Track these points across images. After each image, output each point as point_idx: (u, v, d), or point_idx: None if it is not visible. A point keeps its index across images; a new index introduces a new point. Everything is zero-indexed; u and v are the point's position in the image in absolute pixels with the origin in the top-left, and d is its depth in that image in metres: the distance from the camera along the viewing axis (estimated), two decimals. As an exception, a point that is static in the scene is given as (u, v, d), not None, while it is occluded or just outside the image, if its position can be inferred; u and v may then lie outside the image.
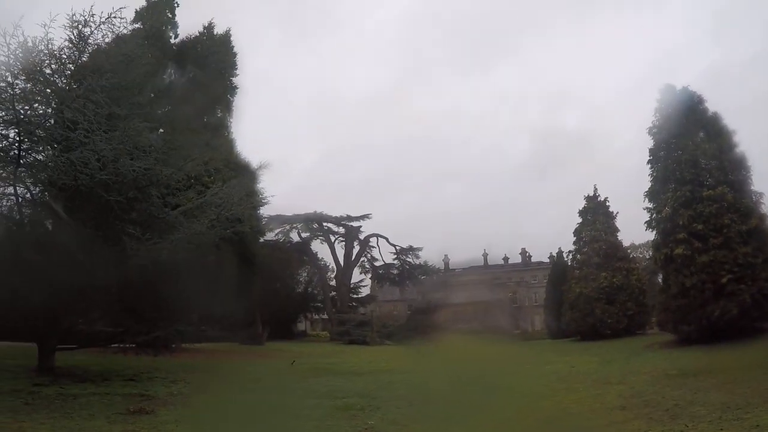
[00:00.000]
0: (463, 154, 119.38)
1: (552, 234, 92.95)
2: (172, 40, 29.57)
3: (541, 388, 13.90)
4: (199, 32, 31.82)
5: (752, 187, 23.63)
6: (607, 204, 37.03)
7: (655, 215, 24.55)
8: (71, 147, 12.28)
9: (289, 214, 49.74)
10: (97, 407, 10.02)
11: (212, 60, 30.21)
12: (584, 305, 33.57)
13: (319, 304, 54.89)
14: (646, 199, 25.13)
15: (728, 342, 19.45)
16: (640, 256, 49.13)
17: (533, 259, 73.30)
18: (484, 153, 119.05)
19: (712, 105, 24.66)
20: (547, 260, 61.17)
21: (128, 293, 13.89)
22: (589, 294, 33.48)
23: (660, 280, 25.32)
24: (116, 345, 16.11)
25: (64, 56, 13.82)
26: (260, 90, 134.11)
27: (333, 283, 56.40)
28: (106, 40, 14.78)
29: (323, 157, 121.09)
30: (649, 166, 25.24)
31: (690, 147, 23.40)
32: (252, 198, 23.89)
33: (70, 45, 13.83)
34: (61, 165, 12.06)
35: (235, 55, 32.07)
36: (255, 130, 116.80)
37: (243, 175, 23.65)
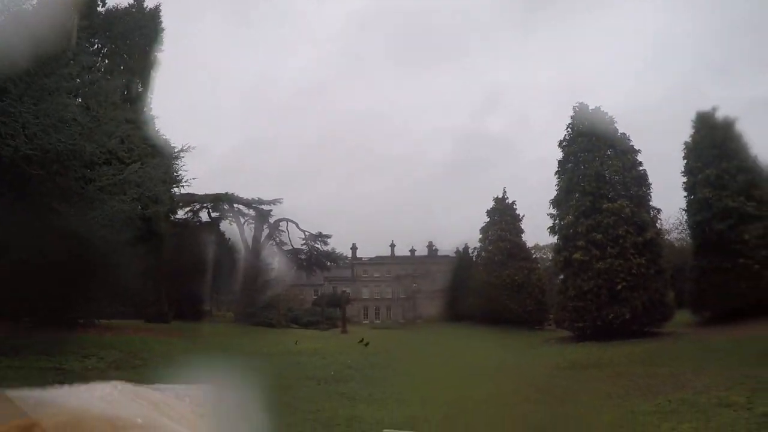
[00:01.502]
0: (386, 152, 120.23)
1: (461, 231, 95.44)
2: (99, 8, 28.55)
3: (441, 375, 14.91)
4: (129, 4, 30.80)
5: (651, 203, 25.78)
6: (515, 207, 38.85)
7: (558, 221, 26.19)
8: (-5, 116, 12.03)
9: (200, 192, 48.89)
10: (15, 381, 10.01)
11: (138, 34, 29.39)
12: (489, 294, 35.08)
13: (225, 285, 54.27)
14: (551, 206, 26.78)
15: (619, 341, 21.21)
16: (544, 257, 51.47)
17: (440, 253, 75.29)
18: (407, 151, 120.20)
19: (623, 127, 26.62)
20: (453, 254, 63.25)
21: (44, 268, 13.70)
22: (493, 288, 35.04)
23: (560, 282, 26.95)
24: (27, 319, 15.79)
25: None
26: (189, 71, 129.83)
27: (240, 264, 55.84)
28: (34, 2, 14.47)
29: (246, 143, 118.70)
30: (557, 176, 26.98)
31: (596, 162, 25.14)
32: (170, 179, 23.63)
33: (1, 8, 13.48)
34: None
35: (162, 30, 31.29)
36: (180, 109, 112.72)
37: (161, 154, 23.26)
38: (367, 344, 25.04)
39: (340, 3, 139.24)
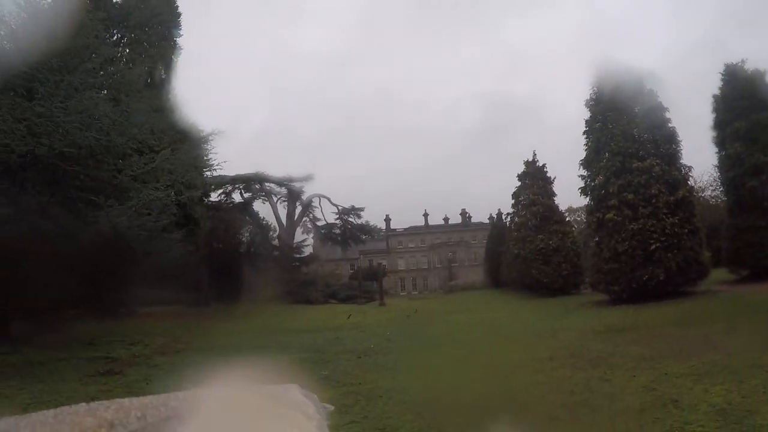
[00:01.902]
0: (414, 119, 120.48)
1: (493, 197, 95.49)
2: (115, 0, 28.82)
3: (479, 343, 15.07)
4: (142, -9, 30.96)
5: (682, 161, 25.24)
6: (545, 169, 38.50)
7: (589, 182, 25.91)
8: (26, 115, 12.30)
9: (231, 174, 49.42)
10: (66, 371, 10.45)
11: (155, 21, 29.59)
12: (521, 265, 35.17)
13: (262, 265, 55.01)
14: (581, 167, 26.47)
15: (654, 302, 21.10)
16: (578, 219, 51.07)
17: (473, 220, 75.26)
18: (434, 118, 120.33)
19: (650, 83, 26.05)
20: (487, 221, 63.12)
21: (85, 260, 14.07)
22: (526, 255, 35.05)
23: (594, 244, 26.77)
24: (73, 311, 16.29)
25: (12, 20, 13.67)
26: (212, 51, 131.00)
27: (276, 243, 56.44)
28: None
29: (273, 121, 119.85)
30: (585, 136, 26.58)
31: (623, 120, 24.68)
32: (201, 164, 23.94)
33: (18, 8, 13.68)
34: (18, 133, 12.08)
35: (179, 15, 31.47)
36: (205, 92, 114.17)
37: (189, 139, 23.58)
38: (415, 311, 25.57)
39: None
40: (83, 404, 1.25)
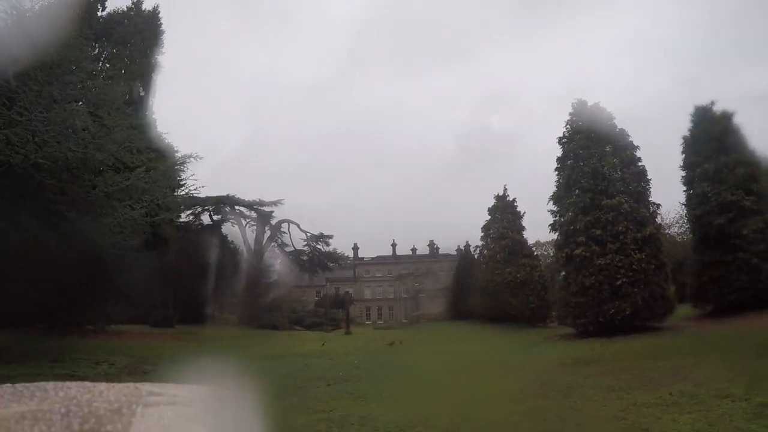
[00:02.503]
0: (389, 151, 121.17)
1: (461, 228, 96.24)
2: (100, 13, 28.71)
3: (448, 373, 15.13)
4: (127, 7, 30.98)
5: (651, 198, 26.04)
6: (515, 204, 39.11)
7: (558, 218, 26.40)
8: (5, 124, 12.15)
9: (202, 195, 49.01)
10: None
11: (138, 37, 29.56)
12: (488, 297, 35.40)
13: (228, 288, 54.35)
14: (551, 203, 26.98)
15: (621, 336, 21.44)
16: (545, 253, 51.67)
17: (441, 252, 75.50)
18: (409, 150, 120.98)
19: (622, 122, 26.88)
20: (455, 253, 63.44)
21: (56, 274, 13.82)
22: (494, 287, 35.38)
23: (561, 278, 27.16)
24: (39, 325, 15.94)
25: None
26: (193, 72, 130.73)
27: (243, 267, 55.88)
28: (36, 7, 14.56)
29: (249, 143, 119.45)
30: (556, 173, 27.21)
31: (594, 158, 25.32)
32: (177, 186, 23.76)
33: (4, 15, 13.57)
34: (-6, 142, 11.93)
35: (162, 33, 31.52)
36: (183, 111, 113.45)
37: (165, 159, 23.41)
38: (392, 344, 25.58)
39: (344, 3, 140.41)
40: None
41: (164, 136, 27.64)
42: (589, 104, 27.29)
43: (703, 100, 29.56)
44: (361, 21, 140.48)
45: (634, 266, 23.43)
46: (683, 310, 26.36)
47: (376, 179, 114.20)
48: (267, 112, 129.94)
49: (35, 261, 13.08)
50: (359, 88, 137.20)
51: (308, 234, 57.58)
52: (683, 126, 28.56)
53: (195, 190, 30.29)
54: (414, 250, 78.84)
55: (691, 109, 28.48)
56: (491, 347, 22.37)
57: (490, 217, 39.58)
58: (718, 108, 27.85)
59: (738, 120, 27.39)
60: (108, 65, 27.42)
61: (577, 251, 24.41)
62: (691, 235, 30.81)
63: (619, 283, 23.29)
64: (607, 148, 25.78)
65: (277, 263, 58.57)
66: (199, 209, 51.95)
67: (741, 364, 11.69)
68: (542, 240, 53.40)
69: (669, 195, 63.47)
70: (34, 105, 12.32)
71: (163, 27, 32.05)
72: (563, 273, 26.73)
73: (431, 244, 78.36)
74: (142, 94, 28.85)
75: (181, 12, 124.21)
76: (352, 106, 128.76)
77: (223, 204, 53.64)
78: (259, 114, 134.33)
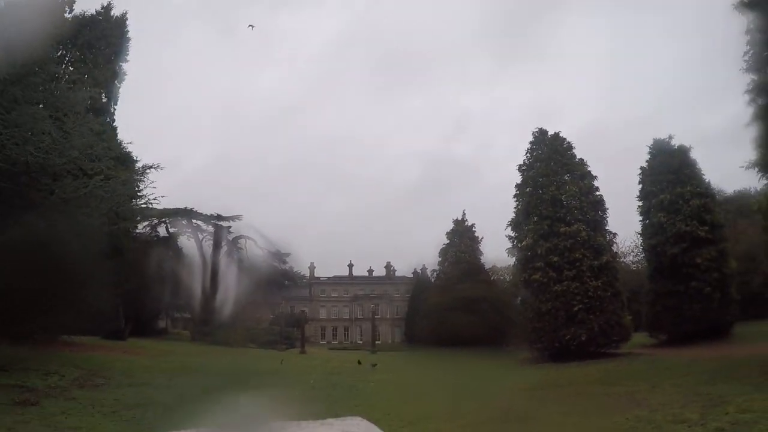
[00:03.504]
0: (352, 173, 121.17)
1: (420, 253, 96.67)
2: (67, 15, 28.09)
3: (404, 395, 15.08)
4: (96, 11, 30.39)
5: (607, 227, 26.62)
6: (474, 229, 39.41)
7: (516, 243, 26.70)
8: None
9: (159, 207, 48.05)
10: (-21, 398, 9.79)
11: (103, 43, 29.05)
12: (440, 316, 34.95)
13: (181, 302, 53.23)
14: (510, 228, 27.32)
15: (576, 362, 21.65)
16: (502, 278, 52.05)
17: (397, 274, 75.50)
18: (372, 173, 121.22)
19: (582, 153, 27.40)
20: (411, 275, 63.49)
21: (7, 280, 13.30)
22: (445, 303, 34.90)
23: (519, 303, 27.42)
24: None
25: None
26: (163, 82, 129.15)
27: (197, 281, 54.82)
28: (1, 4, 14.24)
29: (214, 158, 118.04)
30: (515, 199, 27.60)
31: (553, 186, 25.78)
32: (135, 196, 23.26)
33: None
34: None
35: (128, 40, 31.03)
36: (148, 122, 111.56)
37: (125, 167, 22.93)
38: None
39: (316, 24, 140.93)
40: None
41: (125, 144, 27.17)
42: (549, 133, 27.79)
43: (660, 135, 30.32)
44: (332, 44, 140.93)
45: (590, 293, 23.83)
46: (638, 338, 26.83)
47: (336, 200, 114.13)
48: (233, 129, 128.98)
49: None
50: (328, 111, 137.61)
51: (265, 251, 57.00)
52: (640, 160, 29.33)
53: (154, 199, 29.68)
54: (371, 271, 78.64)
55: (649, 143, 29.26)
56: (447, 372, 22.35)
57: (448, 241, 39.79)
58: (675, 142, 28.74)
59: (693, 155, 28.30)
60: (72, 69, 26.84)
61: (535, 276, 24.71)
62: (646, 264, 31.45)
63: (575, 309, 23.61)
64: (566, 177, 26.28)
65: (233, 279, 57.71)
66: (156, 221, 50.87)
67: (695, 390, 11.91)
68: (499, 265, 53.95)
69: (625, 225, 64.90)
70: (-5, 105, 11.97)
71: (130, 35, 31.66)
72: (520, 298, 26.99)
73: (388, 266, 78.31)
74: (104, 100, 28.33)
75: (151, 22, 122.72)
76: (317, 127, 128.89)
77: (180, 217, 52.70)
78: (226, 129, 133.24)
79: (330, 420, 1.43)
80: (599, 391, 13.95)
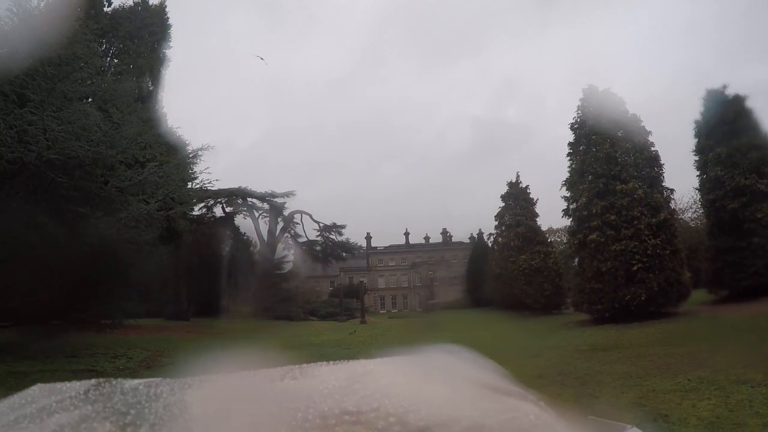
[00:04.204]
0: (403, 141, 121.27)
1: (475, 217, 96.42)
2: (106, 9, 28.72)
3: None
4: (134, 2, 30.97)
5: (663, 184, 25.69)
6: (528, 190, 38.77)
7: (572, 204, 26.15)
8: (18, 122, 12.18)
9: (214, 188, 48.99)
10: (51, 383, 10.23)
11: (145, 32, 29.58)
12: (503, 285, 35.28)
13: (242, 280, 54.46)
14: (564, 188, 26.74)
15: (636, 322, 21.26)
16: (558, 240, 51.38)
17: (454, 240, 75.38)
18: (424, 140, 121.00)
19: (634, 108, 26.45)
20: (468, 241, 63.29)
21: (71, 270, 13.86)
22: (509, 275, 35.19)
23: (576, 264, 26.93)
24: (56, 322, 16.01)
25: (4, 25, 13.57)
26: (210, 65, 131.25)
27: (256, 258, 55.95)
28: (41, 5, 14.59)
29: (265, 137, 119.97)
30: (568, 158, 26.93)
31: (606, 144, 25.04)
32: (190, 179, 23.79)
33: (10, 14, 13.58)
34: (8, 139, 11.95)
35: (169, 27, 31.50)
36: (199, 105, 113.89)
37: (177, 152, 23.44)
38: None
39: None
40: None
41: (176, 129, 27.70)
42: (600, 89, 26.98)
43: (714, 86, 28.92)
44: (378, 14, 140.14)
45: (649, 252, 23.16)
46: (698, 295, 26.11)
47: (389, 169, 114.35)
48: (282, 105, 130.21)
49: (50, 258, 13.14)
50: (374, 82, 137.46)
51: (321, 224, 57.54)
52: (695, 114, 28.20)
53: (209, 182, 30.31)
54: (427, 238, 78.77)
55: (702, 95, 28.08)
56: (507, 334, 22.32)
57: (503, 204, 39.32)
58: (730, 92, 27.44)
59: (750, 104, 26.96)
60: (116, 61, 27.51)
61: (592, 236, 24.18)
62: (705, 221, 30.47)
63: (634, 269, 23.03)
64: (619, 134, 25.46)
65: (291, 254, 58.58)
66: (212, 202, 51.92)
67: (758, 349, 11.59)
68: (555, 227, 53.21)
69: (683, 181, 63.12)
70: (45, 102, 12.33)
71: (172, 20, 32.11)
72: (577, 259, 26.48)
73: (444, 233, 78.20)
74: (151, 88, 28.88)
75: (196, 4, 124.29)
76: (367, 99, 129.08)
77: (235, 196, 53.65)
78: (274, 107, 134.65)
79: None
80: (660, 352, 13.66)
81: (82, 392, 1.15)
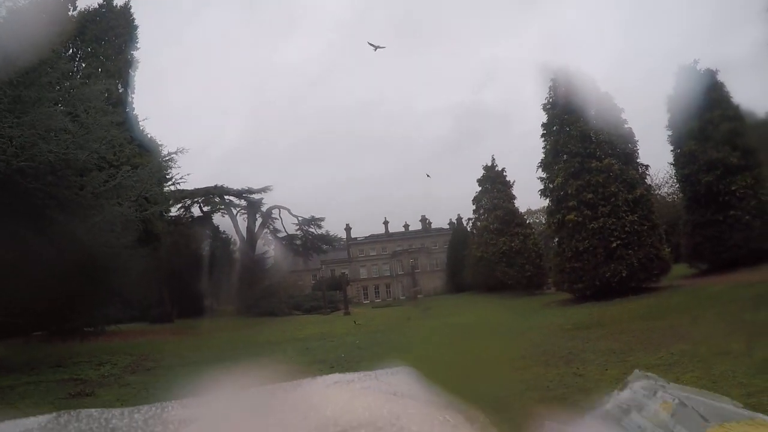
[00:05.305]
0: (378, 130, 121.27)
1: (453, 204, 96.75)
2: (71, 13, 28.27)
3: (448, 342, 15.16)
4: (98, 4, 30.55)
5: (639, 160, 25.91)
6: (504, 173, 39.02)
7: (548, 184, 26.31)
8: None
9: (190, 187, 48.65)
10: (37, 395, 10.18)
11: (111, 34, 29.20)
12: (484, 268, 35.54)
13: (224, 278, 54.14)
14: (540, 169, 26.89)
15: (617, 299, 21.53)
16: (537, 221, 51.73)
17: (433, 226, 75.60)
18: (402, 131, 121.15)
19: (606, 87, 26.64)
20: (447, 227, 63.52)
21: (51, 280, 13.71)
22: (489, 258, 35.46)
23: (555, 244, 27.16)
24: (37, 333, 15.86)
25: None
26: (184, 64, 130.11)
27: (237, 256, 55.65)
28: (1, 13, 14.35)
29: (242, 133, 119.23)
30: (543, 139, 27.04)
31: (580, 122, 25.17)
32: (164, 180, 23.60)
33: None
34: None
35: (135, 28, 31.11)
36: (174, 104, 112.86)
37: (150, 154, 23.28)
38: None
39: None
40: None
41: (148, 131, 27.48)
42: (570, 69, 27.16)
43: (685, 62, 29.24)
44: (354, 3, 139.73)
45: (627, 228, 23.44)
46: (678, 269, 26.48)
47: (367, 159, 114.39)
48: (259, 100, 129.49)
49: (29, 268, 12.98)
50: (352, 72, 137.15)
51: (300, 218, 57.44)
52: (667, 89, 28.52)
53: (182, 179, 30.06)
54: (406, 226, 78.81)
55: (674, 70, 28.41)
56: (490, 316, 22.45)
57: (480, 188, 39.56)
58: (701, 66, 27.81)
59: (722, 78, 27.34)
60: (84, 64, 27.12)
61: (570, 216, 24.39)
62: (681, 195, 30.89)
63: (613, 245, 23.31)
64: (592, 112, 25.64)
65: (271, 249, 58.41)
66: (189, 201, 51.58)
67: (739, 319, 11.78)
68: (533, 208, 53.57)
69: (657, 157, 63.95)
70: (10, 110, 12.16)
71: (137, 21, 31.70)
72: (556, 239, 26.72)
73: (423, 220, 78.31)
74: (120, 91, 28.54)
75: (165, 4, 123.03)
76: (344, 89, 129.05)
77: (212, 195, 53.34)
78: (252, 105, 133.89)
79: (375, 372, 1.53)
80: (642, 327, 13.86)
81: (43, 424, 1.20)
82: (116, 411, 1.32)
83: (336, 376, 1.50)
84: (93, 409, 1.26)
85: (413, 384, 1.58)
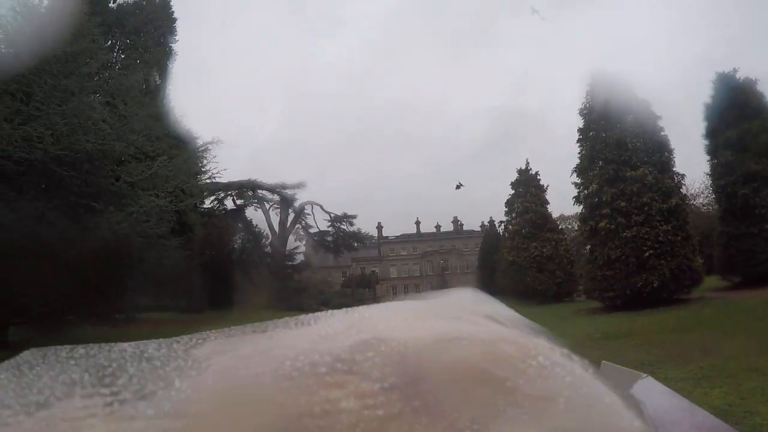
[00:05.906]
0: (419, 131, 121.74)
1: (486, 206, 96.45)
2: (111, 4, 28.80)
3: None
4: (139, -4, 31.13)
5: (674, 169, 25.22)
6: (538, 177, 38.55)
7: (582, 191, 25.91)
8: (24, 120, 12.22)
9: (224, 181, 49.18)
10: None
11: (150, 26, 29.69)
12: (516, 273, 35.19)
13: (254, 271, 54.73)
14: (575, 175, 26.50)
15: (648, 309, 21.10)
16: (569, 227, 51.10)
17: (465, 228, 75.26)
18: (439, 132, 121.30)
19: (644, 94, 26.05)
20: (479, 229, 63.15)
21: (84, 266, 13.92)
22: (521, 263, 35.11)
23: (587, 251, 26.74)
24: (70, 317, 16.12)
25: (8, 24, 13.59)
26: (225, 58, 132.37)
27: (268, 250, 56.15)
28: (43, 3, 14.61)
29: (280, 129, 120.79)
30: (578, 145, 26.59)
31: (616, 129, 24.71)
32: (199, 172, 23.88)
33: (13, 13, 13.60)
34: (14, 138, 11.98)
35: (174, 20, 31.59)
36: (211, 97, 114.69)
37: (187, 145, 23.55)
38: None
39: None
40: None
41: (184, 122, 27.77)
42: (608, 73, 26.65)
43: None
44: (393, 6, 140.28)
45: (660, 238, 22.91)
46: (711, 281, 25.85)
47: (401, 159, 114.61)
48: (297, 97, 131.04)
49: (63, 254, 13.19)
50: (390, 73, 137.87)
51: (332, 215, 57.74)
52: (702, 100, 27.82)
53: (217, 173, 30.38)
54: (438, 227, 78.67)
55: (712, 79, 27.68)
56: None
57: (513, 191, 39.17)
58: (740, 75, 27.03)
59: (761, 88, 26.48)
60: (122, 55, 27.59)
61: (602, 223, 23.97)
62: (716, 206, 30.14)
63: (646, 255, 22.82)
64: (629, 118, 25.15)
65: (302, 245, 58.77)
66: (222, 194, 52.14)
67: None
68: (566, 214, 52.95)
69: (694, 166, 62.90)
70: (50, 99, 12.36)
71: (176, 14, 32.16)
72: (588, 246, 26.29)
73: (455, 221, 77.97)
74: (158, 82, 28.95)
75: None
76: (382, 89, 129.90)
77: (245, 189, 53.80)
78: (288, 99, 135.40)
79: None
80: (672, 339, 13.56)
81: (70, 353, 1.16)
82: (153, 342, 1.26)
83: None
84: (126, 343, 1.20)
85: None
